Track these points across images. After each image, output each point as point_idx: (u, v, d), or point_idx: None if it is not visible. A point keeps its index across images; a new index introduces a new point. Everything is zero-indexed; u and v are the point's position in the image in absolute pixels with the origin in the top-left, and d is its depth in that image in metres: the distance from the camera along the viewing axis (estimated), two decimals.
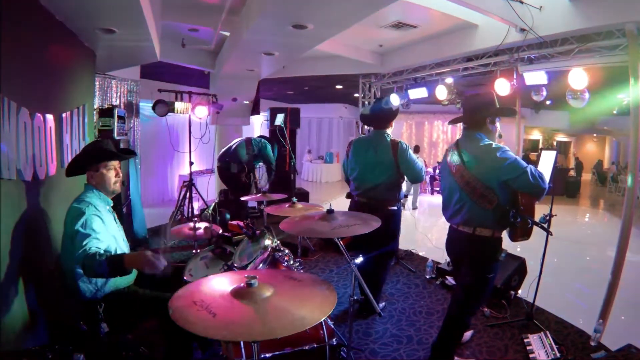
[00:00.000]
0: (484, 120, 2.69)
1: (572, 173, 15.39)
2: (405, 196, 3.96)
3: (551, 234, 2.63)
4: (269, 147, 6.64)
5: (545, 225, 3.54)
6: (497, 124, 2.76)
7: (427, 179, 12.48)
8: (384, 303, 4.05)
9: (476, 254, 2.64)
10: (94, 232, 2.24)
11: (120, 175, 2.60)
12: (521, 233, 2.54)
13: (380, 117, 3.76)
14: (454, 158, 2.72)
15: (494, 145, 2.56)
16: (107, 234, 2.38)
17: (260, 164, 6.96)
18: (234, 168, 6.24)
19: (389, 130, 3.73)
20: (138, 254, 2.14)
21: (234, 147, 6.51)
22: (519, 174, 2.42)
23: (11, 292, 2.16)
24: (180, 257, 4.24)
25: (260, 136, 7.10)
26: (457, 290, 2.92)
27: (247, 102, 8.76)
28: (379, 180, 3.59)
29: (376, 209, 3.32)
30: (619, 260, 3.58)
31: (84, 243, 2.15)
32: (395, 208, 3.68)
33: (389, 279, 4.68)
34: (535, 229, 2.56)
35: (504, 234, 2.64)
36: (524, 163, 2.46)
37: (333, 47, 6.70)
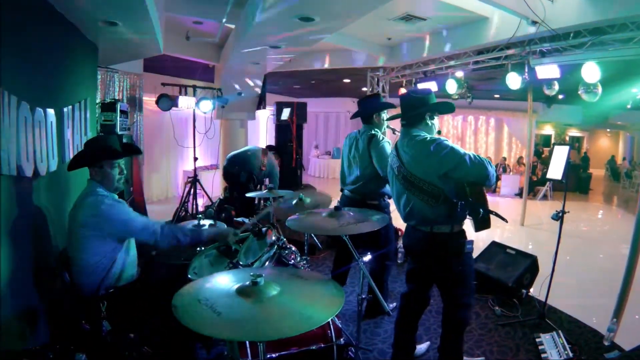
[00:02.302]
0: (422, 116, 2.59)
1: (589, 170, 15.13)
2: None
3: (506, 221, 2.51)
4: (277, 170, 6.51)
5: (559, 221, 3.53)
6: (435, 120, 2.65)
7: None
8: (395, 303, 3.98)
9: (439, 252, 2.54)
10: (135, 216, 2.41)
11: (124, 172, 2.57)
12: (479, 224, 2.45)
13: (364, 111, 3.66)
14: (394, 160, 2.63)
15: (428, 139, 2.47)
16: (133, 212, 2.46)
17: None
18: (243, 177, 6.14)
19: (378, 127, 3.59)
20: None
21: (247, 155, 6.35)
22: (457, 163, 2.33)
23: (11, 291, 2.13)
24: (184, 255, 4.20)
25: (270, 146, 6.98)
26: (414, 293, 2.84)
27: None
28: (357, 173, 3.59)
29: (357, 203, 3.36)
30: (633, 257, 3.49)
31: (149, 226, 2.40)
32: (376, 202, 3.56)
33: (398, 277, 4.65)
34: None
35: (469, 226, 2.55)
36: (461, 150, 2.37)
37: (341, 39, 6.61)
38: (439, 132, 2.70)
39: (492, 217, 2.47)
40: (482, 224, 2.45)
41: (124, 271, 2.46)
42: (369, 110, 3.62)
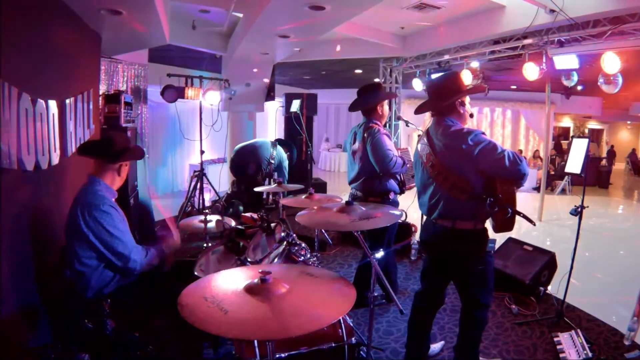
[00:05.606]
0: (452, 104, 2.49)
1: (604, 162, 14.84)
2: (402, 191, 3.69)
3: (534, 224, 2.47)
4: (286, 163, 6.40)
5: (577, 217, 3.42)
6: (467, 106, 2.55)
7: None
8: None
9: (460, 248, 2.47)
10: (122, 234, 2.28)
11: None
12: (501, 224, 2.38)
13: (364, 103, 3.45)
14: (423, 147, 2.54)
15: (465, 130, 2.39)
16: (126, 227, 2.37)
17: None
18: (251, 168, 6.07)
19: (379, 119, 3.43)
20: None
21: (256, 146, 6.24)
22: (495, 159, 2.25)
23: (12, 289, 2.10)
24: (190, 252, 4.18)
25: (279, 140, 6.89)
26: (428, 292, 2.76)
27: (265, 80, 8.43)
28: (358, 169, 3.47)
29: (362, 201, 3.21)
30: None
31: (127, 253, 2.28)
32: (380, 200, 3.39)
33: (411, 275, 4.59)
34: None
35: (488, 225, 2.48)
36: (500, 147, 2.30)
37: (352, 29, 6.51)
38: (472, 116, 2.60)
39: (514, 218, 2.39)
40: (504, 224, 2.38)
41: None
42: (370, 101, 3.43)
